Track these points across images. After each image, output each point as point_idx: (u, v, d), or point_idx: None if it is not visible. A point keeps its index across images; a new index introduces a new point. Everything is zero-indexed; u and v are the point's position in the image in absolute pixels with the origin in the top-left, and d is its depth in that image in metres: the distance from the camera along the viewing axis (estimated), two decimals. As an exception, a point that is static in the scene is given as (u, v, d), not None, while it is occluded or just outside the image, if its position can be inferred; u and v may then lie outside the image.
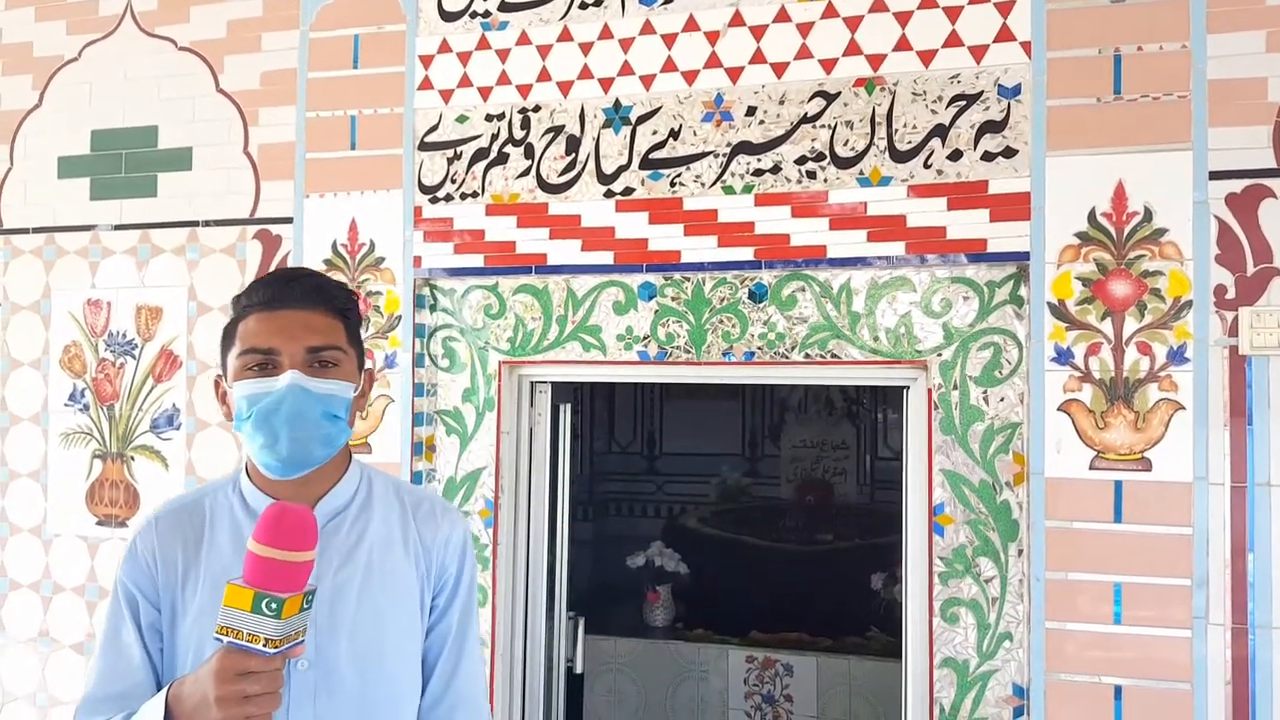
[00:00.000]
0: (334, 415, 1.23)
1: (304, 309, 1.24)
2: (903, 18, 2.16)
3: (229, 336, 1.27)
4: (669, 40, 2.29)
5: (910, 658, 2.22)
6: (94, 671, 1.27)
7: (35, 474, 2.77)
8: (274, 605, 1.01)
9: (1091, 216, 2.06)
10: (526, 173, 2.39)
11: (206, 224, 2.62)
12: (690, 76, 2.28)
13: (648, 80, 2.30)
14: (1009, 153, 2.10)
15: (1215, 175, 2.00)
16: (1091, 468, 2.05)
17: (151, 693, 1.20)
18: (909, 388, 2.25)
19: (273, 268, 2.55)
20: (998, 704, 2.12)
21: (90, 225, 2.73)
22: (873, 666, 3.57)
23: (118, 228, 2.70)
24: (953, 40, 2.14)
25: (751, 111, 2.24)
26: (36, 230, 2.77)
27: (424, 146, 2.46)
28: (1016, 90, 2.11)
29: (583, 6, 2.35)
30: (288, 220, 2.56)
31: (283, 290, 1.24)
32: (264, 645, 1.02)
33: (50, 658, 2.73)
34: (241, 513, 1.29)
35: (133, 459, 2.68)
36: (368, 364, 1.38)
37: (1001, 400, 2.13)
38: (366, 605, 1.27)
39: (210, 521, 1.30)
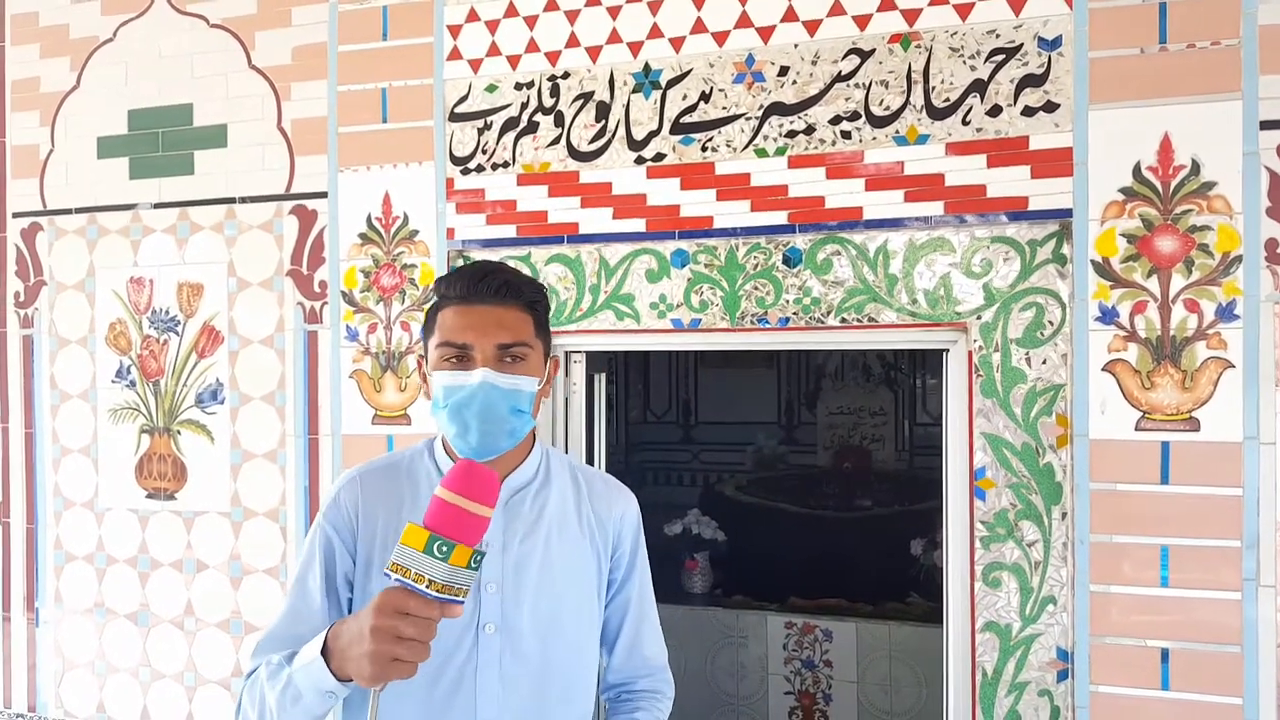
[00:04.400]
0: (519, 409, 1.30)
1: (496, 305, 1.31)
2: (939, -30, 2.10)
3: (429, 325, 1.35)
4: (698, 1, 2.26)
5: (951, 622, 2.21)
6: (279, 611, 1.34)
7: (86, 449, 2.84)
8: (444, 549, 1.05)
9: (1136, 171, 2.00)
10: (556, 141, 2.37)
11: (243, 200, 2.65)
12: (721, 37, 2.24)
13: (677, 43, 2.27)
14: (1050, 107, 2.05)
15: (1266, 125, 1.93)
16: (1137, 429, 2.01)
17: None
18: (949, 351, 2.21)
19: (309, 242, 2.58)
20: (1041, 668, 2.10)
21: (131, 204, 2.77)
22: (913, 632, 3.56)
23: (157, 206, 2.74)
24: (991, -8, 2.08)
25: (784, 71, 2.21)
26: (79, 210, 2.82)
27: (454, 117, 2.45)
28: (1057, 42, 2.05)
29: (610, -30, 2.32)
30: (322, 195, 2.58)
31: (476, 286, 1.31)
32: (426, 586, 1.05)
33: (106, 627, 2.82)
34: (439, 478, 1.36)
35: (179, 433, 2.74)
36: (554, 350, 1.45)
37: (1044, 362, 2.09)
38: (546, 575, 1.36)
39: (411, 484, 1.38)
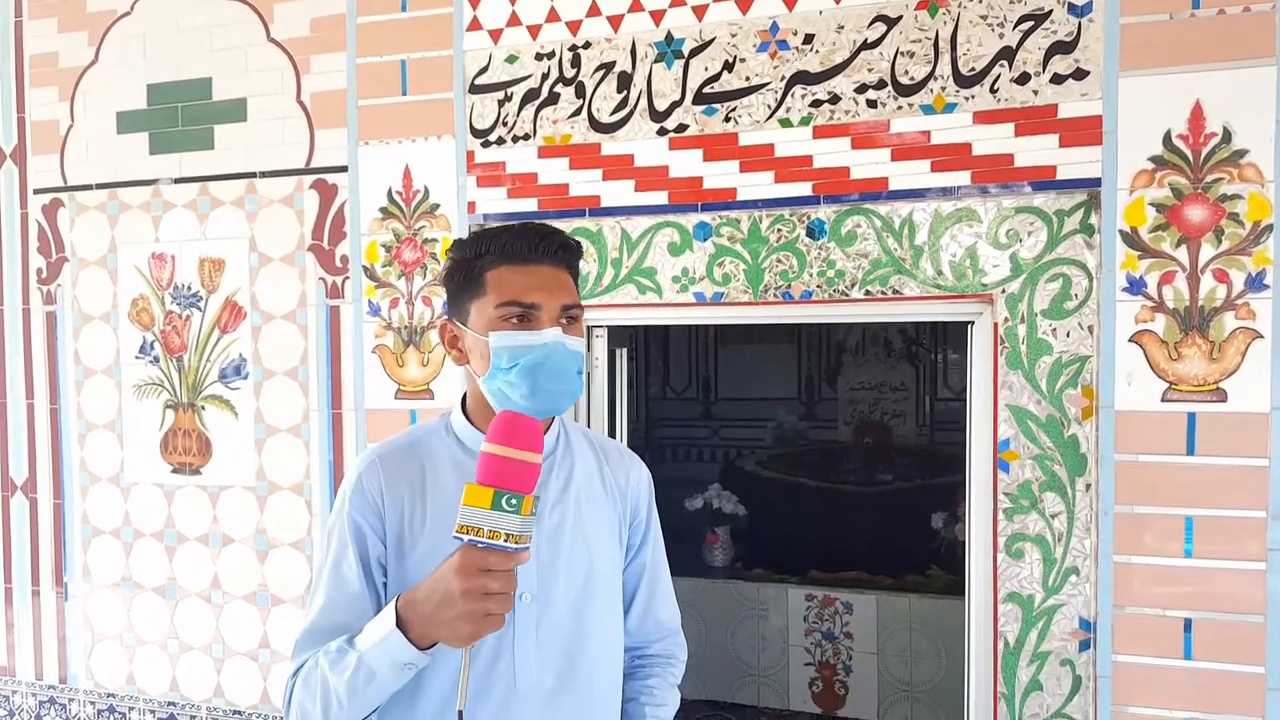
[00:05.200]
0: (580, 370, 1.30)
1: (555, 265, 1.30)
2: (966, -65, 2.07)
3: (473, 284, 1.30)
4: (722, -31, 2.23)
5: (974, 593, 2.21)
6: (316, 603, 1.31)
7: (111, 424, 2.86)
8: (514, 502, 1.06)
9: (1166, 139, 1.98)
10: (578, 113, 2.36)
11: (264, 175, 2.65)
12: (744, 5, 2.22)
13: (700, 11, 2.25)
14: (1079, 74, 2.02)
15: (1301, 91, 1.91)
16: (1164, 400, 2.00)
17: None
18: (974, 322, 2.20)
19: (330, 217, 2.58)
20: (1064, 638, 2.11)
21: (151, 180, 2.77)
22: (933, 604, 3.58)
23: (178, 181, 2.74)
24: (1019, -43, 2.05)
25: (809, 40, 2.18)
26: (100, 186, 2.83)
27: (474, 89, 2.44)
28: (1087, 8, 2.02)
29: (632, -62, 2.29)
30: (343, 169, 2.57)
31: (537, 246, 1.29)
32: (505, 541, 1.06)
33: (134, 600, 2.86)
34: (460, 452, 1.36)
35: (203, 408, 2.76)
36: None
37: (1069, 334, 2.08)
38: (578, 541, 1.36)
39: (431, 461, 1.35)
